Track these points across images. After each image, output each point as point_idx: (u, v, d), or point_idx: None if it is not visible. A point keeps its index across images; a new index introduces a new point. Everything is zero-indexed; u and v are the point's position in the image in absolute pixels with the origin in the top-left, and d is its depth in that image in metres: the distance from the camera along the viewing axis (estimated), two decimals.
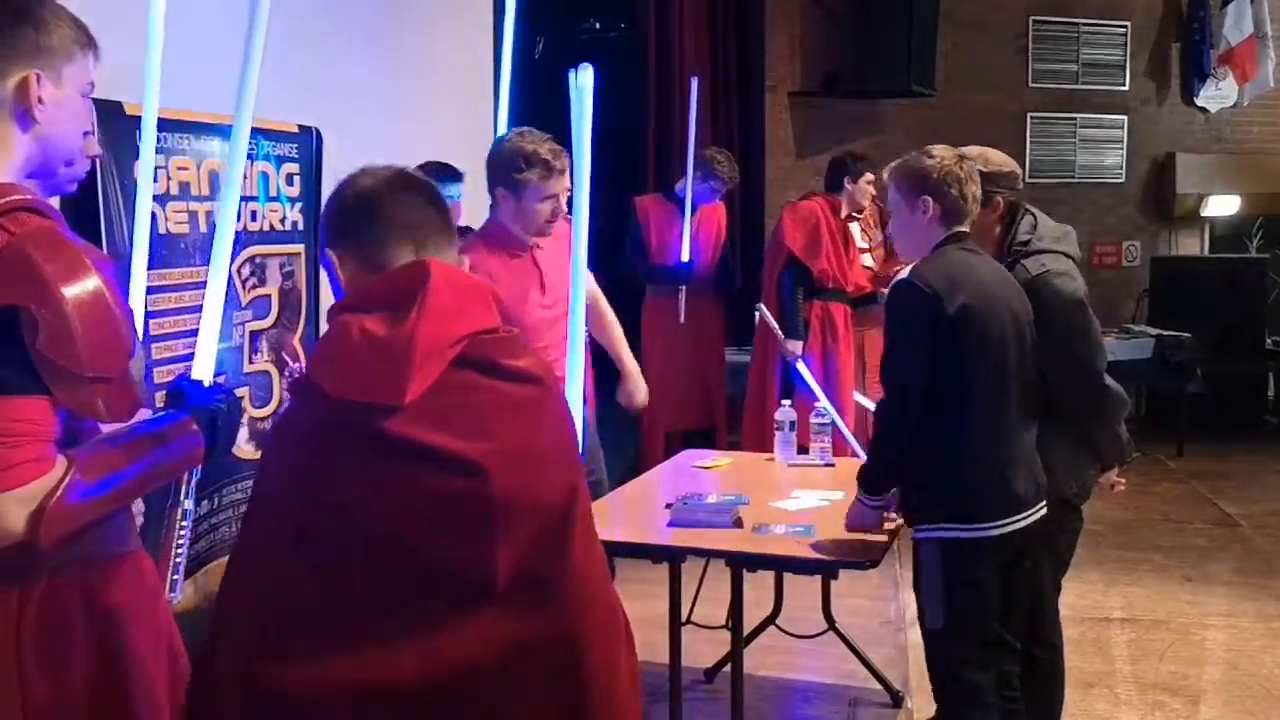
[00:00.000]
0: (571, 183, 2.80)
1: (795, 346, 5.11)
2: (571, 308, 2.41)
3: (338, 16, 4.35)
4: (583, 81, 1.97)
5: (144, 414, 1.64)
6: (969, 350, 2.53)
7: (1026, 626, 2.77)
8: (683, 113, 6.22)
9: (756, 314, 5.11)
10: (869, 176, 5.31)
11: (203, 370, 1.86)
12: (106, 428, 1.56)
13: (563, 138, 5.16)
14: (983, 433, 2.56)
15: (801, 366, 4.77)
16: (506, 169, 3.08)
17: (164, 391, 1.81)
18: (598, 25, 7.78)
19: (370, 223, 1.55)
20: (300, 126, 3.07)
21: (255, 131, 3.01)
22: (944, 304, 2.50)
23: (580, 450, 1.65)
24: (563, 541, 1.50)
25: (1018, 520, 2.60)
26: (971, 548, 2.57)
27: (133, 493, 1.58)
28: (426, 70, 4.64)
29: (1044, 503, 2.69)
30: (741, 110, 7.94)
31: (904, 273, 2.62)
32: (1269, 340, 8.51)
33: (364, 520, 1.42)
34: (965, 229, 2.67)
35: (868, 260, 5.54)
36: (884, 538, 2.79)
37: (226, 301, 2.06)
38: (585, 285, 2.70)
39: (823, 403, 3.97)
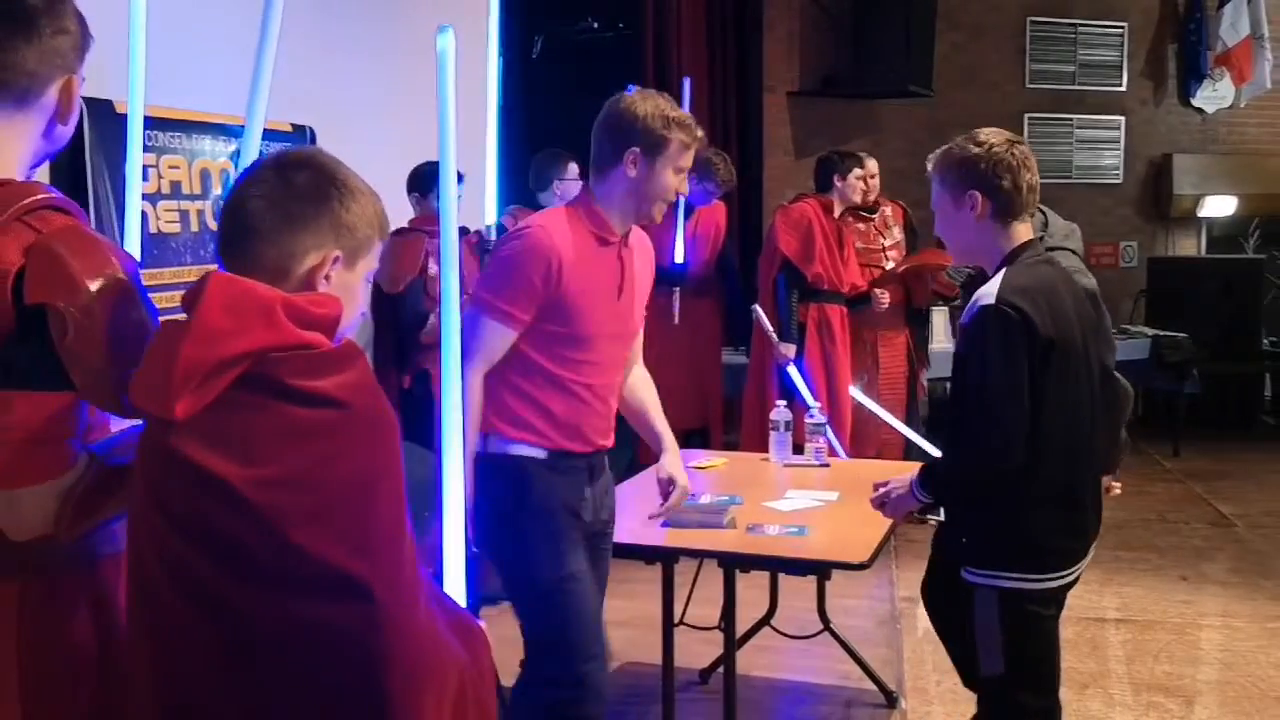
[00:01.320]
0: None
1: (789, 350, 5.10)
2: (442, 311, 2.12)
3: (332, 15, 4.35)
4: (443, 45, 1.87)
5: None
6: (1055, 381, 2.26)
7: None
8: None
9: (753, 315, 5.11)
10: (858, 171, 5.32)
11: None
12: (119, 424, 1.57)
13: (562, 137, 5.19)
14: (1060, 476, 2.32)
15: (793, 370, 4.76)
16: (646, 125, 2.50)
17: None
18: (595, 25, 7.76)
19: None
20: (294, 125, 3.08)
21: (243, 130, 3.00)
22: (1035, 326, 2.22)
23: (402, 483, 1.45)
24: (360, 586, 1.36)
25: (1083, 564, 2.43)
26: (1036, 597, 2.35)
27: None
28: (422, 69, 4.63)
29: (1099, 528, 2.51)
30: (740, 110, 7.95)
31: (986, 294, 2.29)
32: (1265, 341, 8.51)
33: (164, 546, 1.37)
34: (1029, 231, 2.39)
35: (889, 261, 5.53)
36: (880, 537, 2.78)
37: None
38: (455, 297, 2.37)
39: (813, 406, 3.97)
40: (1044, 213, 2.89)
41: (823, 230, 5.26)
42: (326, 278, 1.47)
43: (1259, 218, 9.26)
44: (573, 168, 5.02)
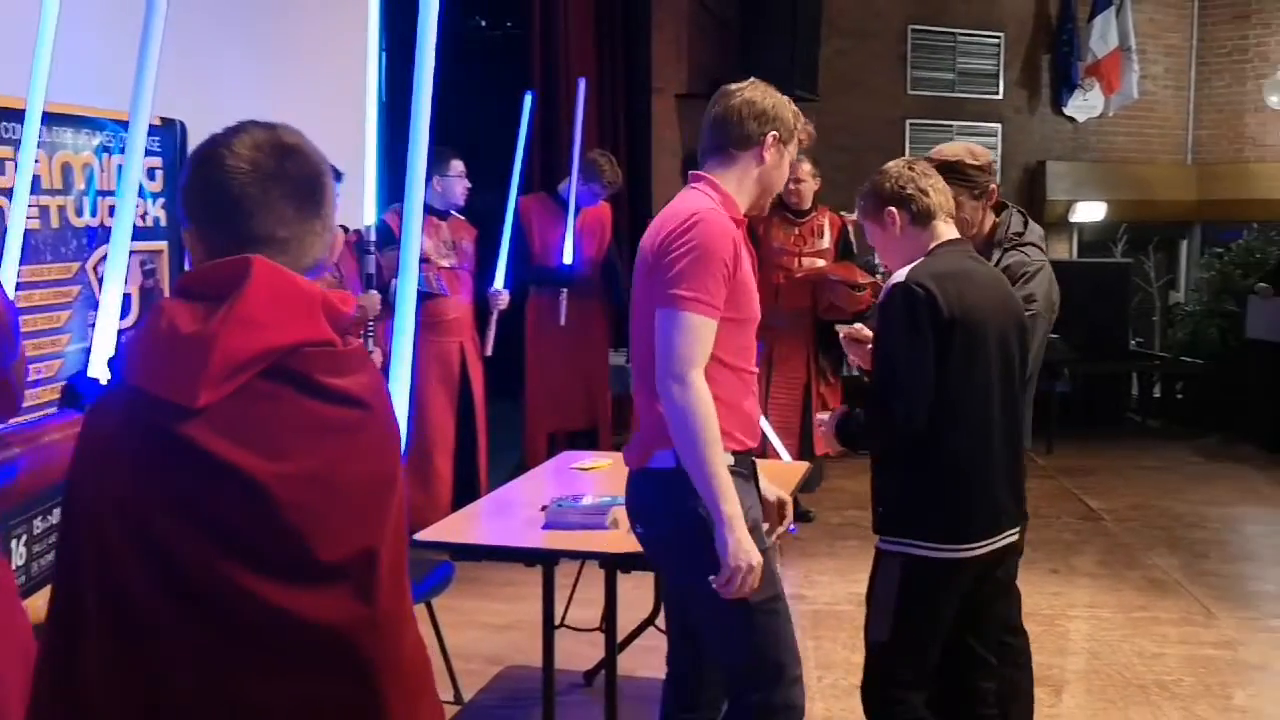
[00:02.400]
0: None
1: None
2: (399, 288, 1.97)
3: (205, 6, 4.23)
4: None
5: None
6: (958, 356, 2.44)
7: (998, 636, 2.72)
8: (568, 113, 6.21)
9: None
10: None
11: (99, 368, 1.80)
12: None
13: (450, 134, 5.13)
14: (968, 446, 2.48)
15: None
16: (783, 114, 2.40)
17: (62, 387, 1.76)
18: (484, 24, 7.72)
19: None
20: (163, 119, 2.98)
21: (115, 123, 2.90)
22: (939, 304, 2.42)
23: (403, 492, 1.45)
24: (364, 590, 1.36)
25: (996, 541, 2.53)
26: (940, 568, 2.48)
27: (16, 493, 1.52)
28: (300, 64, 4.55)
29: (1026, 519, 2.64)
30: (628, 112, 7.96)
31: (899, 275, 2.52)
32: (1132, 342, 8.86)
33: (150, 535, 1.30)
34: (951, 230, 2.61)
35: (820, 262, 5.53)
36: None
37: (83, 300, 1.99)
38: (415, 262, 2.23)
39: None
40: (1021, 212, 3.05)
41: None
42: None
43: (1126, 223, 9.64)
44: (455, 164, 4.97)
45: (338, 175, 4.49)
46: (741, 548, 2.15)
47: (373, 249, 4.21)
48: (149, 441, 1.30)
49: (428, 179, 4.87)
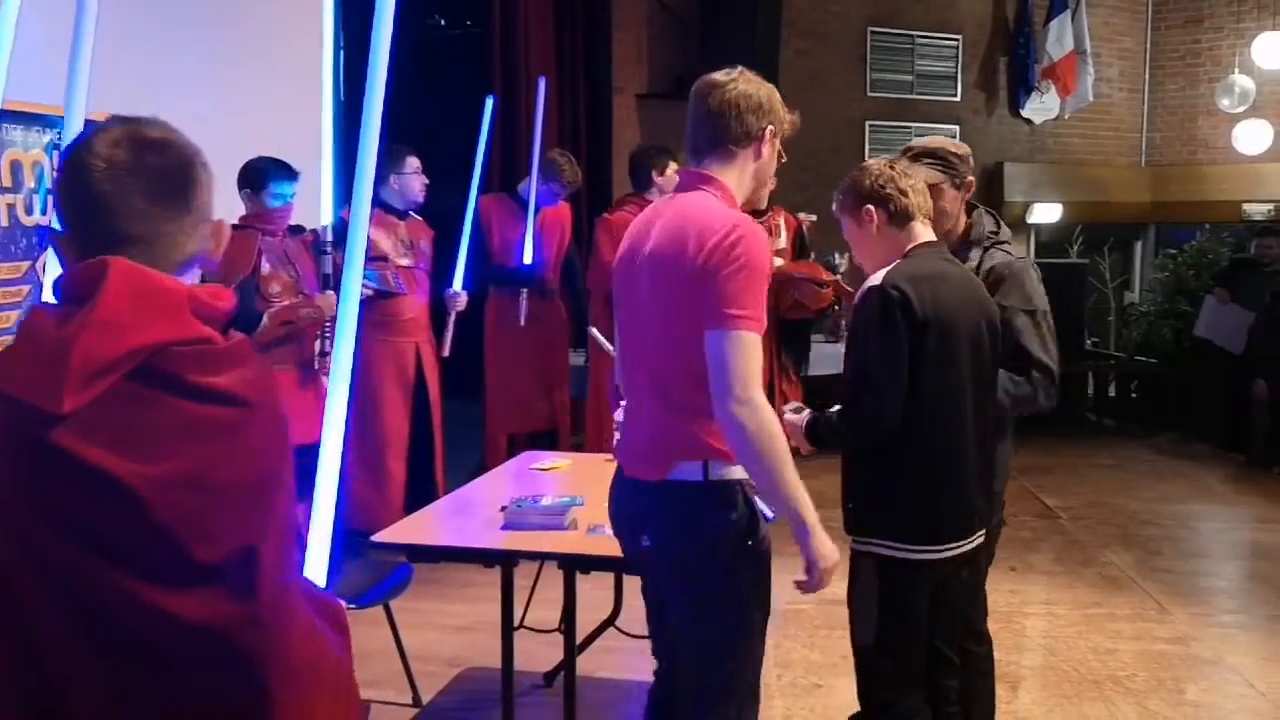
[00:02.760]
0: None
1: None
2: (342, 288, 1.91)
3: (162, 3, 4.18)
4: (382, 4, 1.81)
5: None
6: (933, 358, 2.44)
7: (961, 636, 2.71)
8: (528, 113, 6.19)
9: (589, 334, 5.11)
10: (675, 166, 5.13)
11: None
12: None
13: (409, 134, 5.09)
14: (941, 447, 2.48)
15: None
16: (775, 106, 2.35)
17: None
18: (443, 22, 7.68)
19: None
20: (114, 117, 2.94)
21: (61, 121, 2.85)
22: (914, 306, 2.42)
23: (294, 480, 1.42)
24: (245, 589, 1.34)
25: (968, 542, 2.55)
26: (912, 568, 2.49)
27: None
28: (257, 62, 4.50)
29: (996, 519, 2.63)
30: (589, 111, 7.96)
31: (875, 278, 2.51)
32: (1088, 341, 8.96)
33: (28, 542, 1.28)
34: (931, 235, 2.60)
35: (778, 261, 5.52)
36: None
37: (33, 300, 1.95)
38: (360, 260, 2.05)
39: None
40: (992, 214, 3.03)
41: None
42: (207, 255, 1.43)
43: (1082, 224, 9.76)
44: (411, 161, 4.95)
45: (293, 174, 4.46)
46: (827, 549, 2.19)
47: (329, 249, 4.18)
48: (20, 449, 1.28)
49: (384, 177, 4.88)
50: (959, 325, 2.49)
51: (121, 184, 1.34)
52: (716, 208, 2.23)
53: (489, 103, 5.19)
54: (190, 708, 1.33)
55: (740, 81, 2.31)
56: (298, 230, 4.30)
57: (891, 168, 2.60)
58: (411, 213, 5.03)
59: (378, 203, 4.87)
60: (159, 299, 1.31)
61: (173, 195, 1.37)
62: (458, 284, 5.04)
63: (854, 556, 2.57)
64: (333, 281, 4.33)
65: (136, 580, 1.28)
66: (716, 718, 2.27)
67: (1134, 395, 9.22)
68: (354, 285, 1.78)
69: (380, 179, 4.80)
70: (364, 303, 4.75)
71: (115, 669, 1.30)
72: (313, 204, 3.99)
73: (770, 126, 2.32)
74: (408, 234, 4.99)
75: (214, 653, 1.32)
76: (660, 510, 2.24)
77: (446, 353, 5.07)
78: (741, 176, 2.32)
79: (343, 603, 1.61)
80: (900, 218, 2.56)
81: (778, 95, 2.37)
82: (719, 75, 2.33)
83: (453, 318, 5.03)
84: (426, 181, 5.02)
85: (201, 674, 1.32)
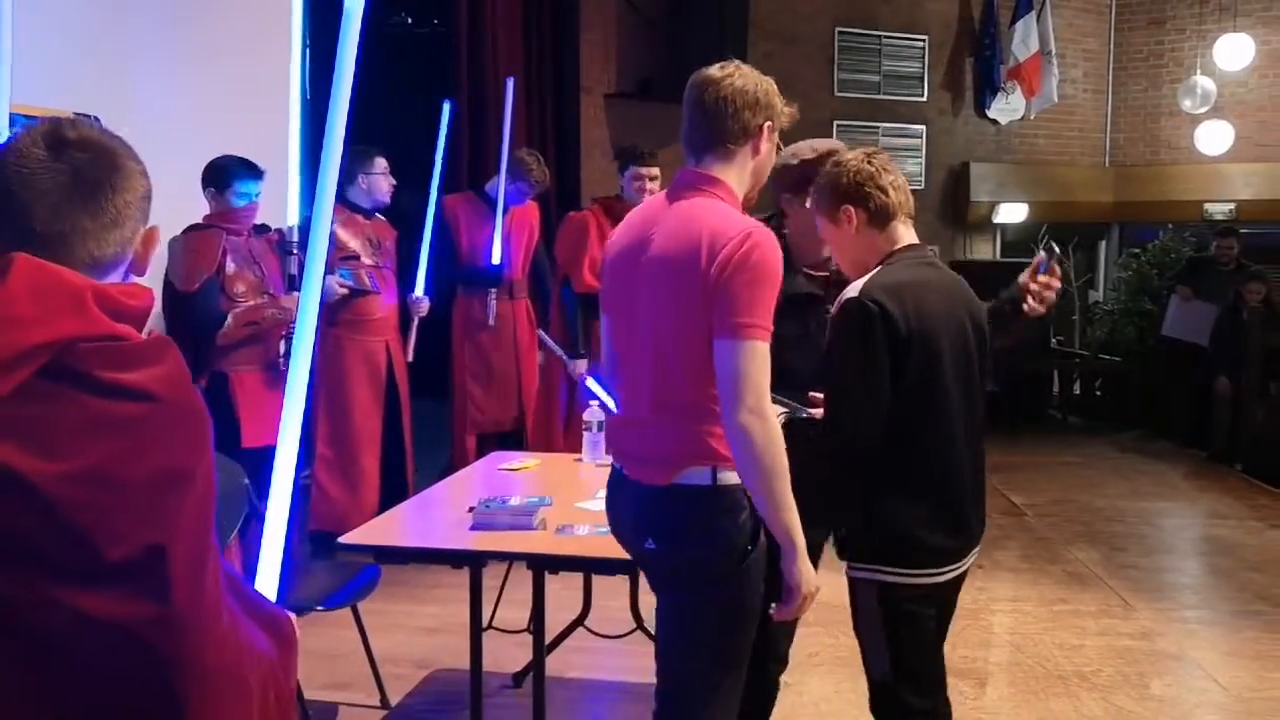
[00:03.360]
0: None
1: (579, 366, 5.10)
2: (303, 287, 1.87)
3: (128, 2, 4.14)
4: (351, 4, 1.78)
5: None
6: (915, 374, 2.31)
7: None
8: (496, 112, 6.17)
9: (539, 338, 5.11)
10: (633, 169, 5.02)
11: None
12: None
13: (377, 133, 5.06)
14: (932, 466, 2.36)
15: (592, 383, 4.72)
16: (773, 99, 2.30)
17: None
18: (409, 20, 7.64)
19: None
20: (77, 114, 2.90)
21: (21, 118, 2.81)
22: (895, 321, 2.28)
23: (213, 481, 1.39)
24: (155, 588, 1.31)
25: (965, 563, 2.44)
26: (913, 593, 2.37)
27: None
28: (222, 61, 4.46)
29: (982, 535, 2.51)
30: (556, 112, 7.94)
31: (852, 289, 2.37)
32: (1053, 340, 9.05)
33: None
34: (911, 234, 2.47)
35: None
36: None
37: None
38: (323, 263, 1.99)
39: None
40: None
41: (602, 238, 4.92)
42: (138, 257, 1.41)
43: (1047, 224, 9.84)
44: (379, 162, 4.94)
45: (258, 172, 4.43)
46: (810, 576, 2.17)
47: (295, 249, 4.15)
48: None
49: (353, 177, 4.85)
50: (943, 336, 2.35)
51: (31, 182, 1.33)
52: (727, 212, 2.21)
53: (446, 108, 5.17)
54: (98, 708, 1.31)
55: (736, 77, 2.27)
56: (263, 229, 4.27)
57: (869, 162, 2.43)
58: (376, 213, 5.02)
59: (345, 202, 4.85)
60: (61, 294, 1.30)
61: (86, 195, 1.36)
62: (419, 289, 5.04)
63: (852, 584, 2.43)
64: (298, 282, 4.30)
65: (45, 578, 1.26)
66: (708, 715, 2.27)
67: (1098, 393, 9.31)
68: (314, 286, 1.76)
69: (348, 179, 4.78)
70: (337, 302, 4.78)
71: (24, 671, 1.28)
72: (279, 204, 3.96)
73: (768, 122, 2.28)
74: (374, 233, 4.99)
75: (123, 652, 1.30)
76: (670, 515, 2.22)
77: (410, 357, 5.07)
78: (741, 175, 2.29)
79: (291, 615, 1.58)
80: (880, 217, 2.42)
81: (774, 88, 2.32)
82: (714, 70, 2.29)
83: (415, 323, 5.03)
84: (394, 182, 5.01)
85: (110, 674, 1.30)
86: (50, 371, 1.27)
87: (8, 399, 1.25)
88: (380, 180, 4.93)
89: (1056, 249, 2.68)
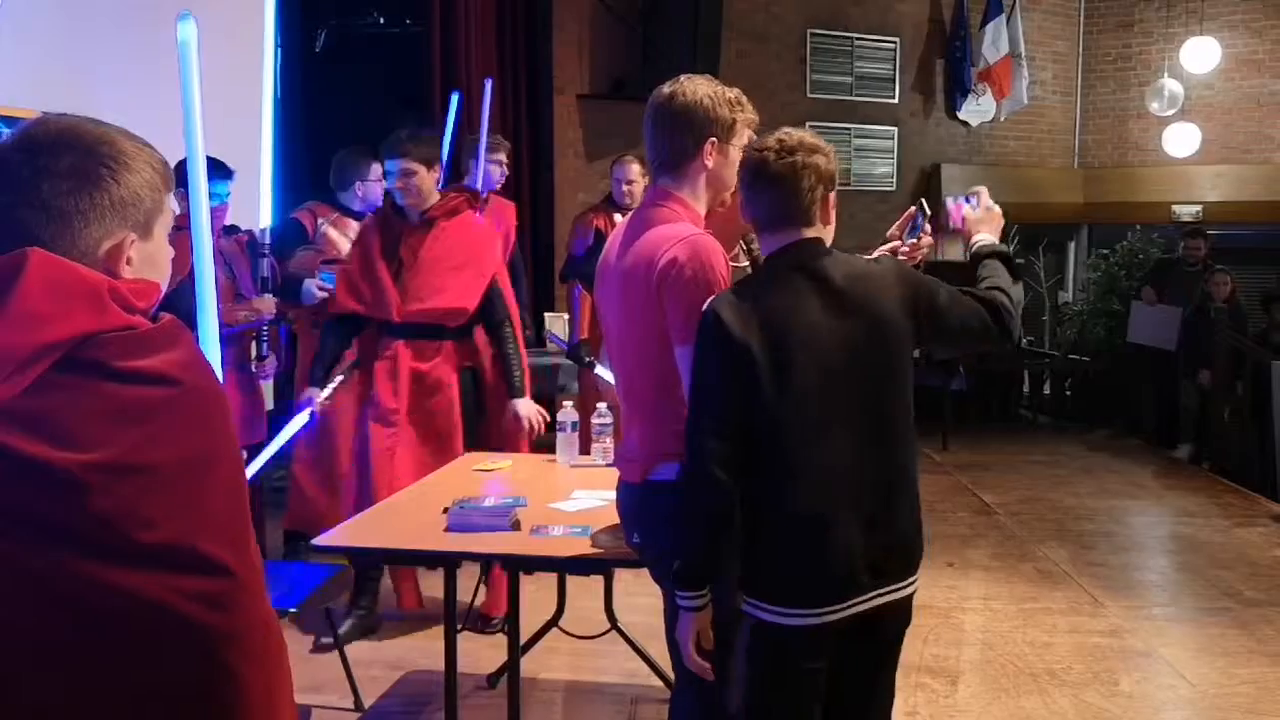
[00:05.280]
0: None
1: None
2: (198, 293, 1.93)
3: (96, 2, 4.10)
4: (184, 35, 1.78)
5: None
6: (770, 386, 2.05)
7: None
8: (472, 112, 6.15)
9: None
10: (614, 172, 5.39)
11: None
12: None
13: (349, 133, 5.04)
14: (801, 491, 2.06)
15: (602, 370, 4.75)
16: (717, 112, 2.31)
17: None
18: (381, 20, 7.61)
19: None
20: (45, 114, 2.88)
21: (3, 120, 2.79)
22: (732, 336, 2.05)
23: (241, 461, 1.41)
24: (197, 565, 1.34)
25: (863, 601, 2.10)
26: (785, 634, 2.08)
27: None
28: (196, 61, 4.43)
29: (911, 578, 2.17)
30: (529, 112, 7.94)
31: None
32: (1024, 340, 9.12)
33: None
34: (817, 230, 2.20)
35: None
36: None
37: None
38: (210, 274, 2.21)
39: (600, 407, 3.98)
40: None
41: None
42: (128, 261, 1.40)
43: (1017, 226, 9.90)
44: (375, 168, 4.90)
45: (228, 172, 4.39)
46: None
47: (266, 251, 4.13)
48: None
49: (348, 184, 4.82)
50: (810, 341, 2.07)
51: (23, 176, 1.34)
52: (672, 224, 2.30)
53: (455, 100, 5.26)
54: (152, 690, 1.32)
55: (678, 94, 2.33)
56: (232, 230, 4.24)
57: (780, 161, 2.16)
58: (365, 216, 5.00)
59: (338, 206, 4.83)
60: (78, 289, 1.31)
61: (79, 188, 1.36)
62: None
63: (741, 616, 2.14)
64: (271, 284, 4.28)
65: (83, 559, 1.28)
66: (700, 708, 2.31)
67: (1068, 393, 9.39)
68: (207, 288, 1.76)
69: (344, 184, 4.77)
70: (318, 305, 4.74)
71: (75, 654, 1.29)
72: (251, 205, 3.94)
73: (711, 139, 2.32)
74: None
75: (167, 629, 1.32)
76: (644, 510, 2.35)
77: None
78: (695, 189, 2.36)
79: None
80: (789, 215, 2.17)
81: (726, 97, 2.34)
82: (663, 88, 2.37)
83: None
84: (389, 186, 4.98)
85: (160, 650, 1.32)
86: (68, 365, 1.28)
87: (28, 393, 1.26)
88: (376, 187, 4.90)
89: (928, 209, 2.63)
